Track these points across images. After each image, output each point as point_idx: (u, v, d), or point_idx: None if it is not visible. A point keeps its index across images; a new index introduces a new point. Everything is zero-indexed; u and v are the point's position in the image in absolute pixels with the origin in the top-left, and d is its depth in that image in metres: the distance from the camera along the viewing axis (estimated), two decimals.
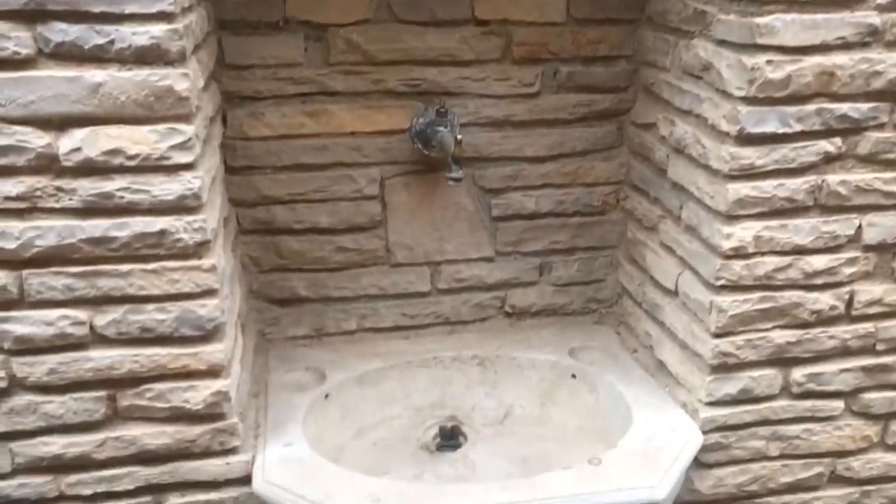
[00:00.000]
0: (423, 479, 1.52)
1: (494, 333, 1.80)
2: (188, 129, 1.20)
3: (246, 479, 1.39)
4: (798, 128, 1.35)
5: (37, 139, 1.17)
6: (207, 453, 1.38)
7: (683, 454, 1.41)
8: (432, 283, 1.78)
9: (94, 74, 1.16)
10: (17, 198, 1.20)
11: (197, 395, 1.33)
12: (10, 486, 1.34)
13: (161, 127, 1.19)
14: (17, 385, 1.29)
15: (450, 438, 1.63)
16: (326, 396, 1.61)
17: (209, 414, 1.35)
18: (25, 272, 1.24)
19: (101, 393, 1.32)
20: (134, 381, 1.31)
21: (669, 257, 1.59)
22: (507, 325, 1.83)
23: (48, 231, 1.22)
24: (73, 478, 1.35)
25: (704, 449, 1.49)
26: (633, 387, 1.60)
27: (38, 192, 1.20)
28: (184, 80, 1.18)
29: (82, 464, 1.34)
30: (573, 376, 1.68)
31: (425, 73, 1.63)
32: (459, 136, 1.50)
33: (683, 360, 1.55)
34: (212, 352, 1.32)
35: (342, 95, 1.61)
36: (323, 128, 1.62)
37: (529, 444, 1.61)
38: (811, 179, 1.39)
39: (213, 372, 1.33)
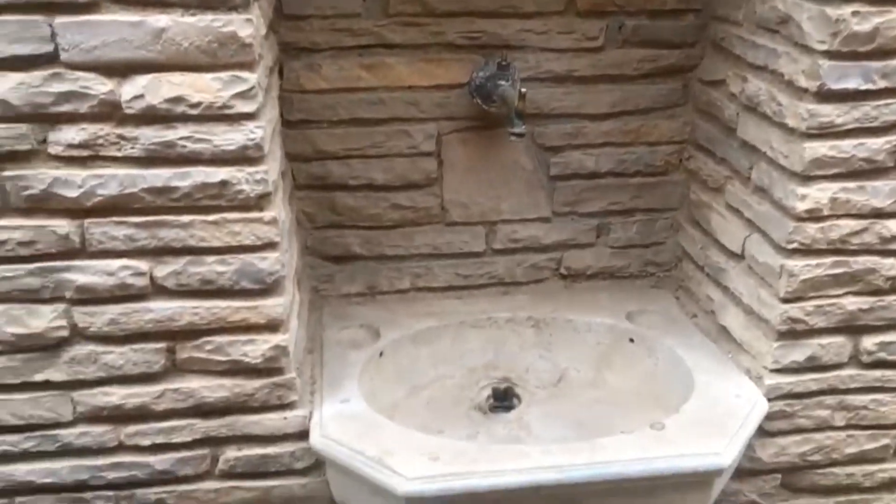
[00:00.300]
0: (477, 439, 1.51)
1: (549, 295, 1.77)
2: (251, 78, 1.18)
3: (303, 434, 1.38)
4: (882, 84, 1.28)
5: (99, 85, 1.15)
6: (265, 408, 1.37)
7: (749, 421, 1.38)
8: (487, 243, 1.75)
9: (158, 19, 1.13)
10: (80, 145, 1.18)
11: (256, 348, 1.32)
12: (72, 435, 1.34)
13: (224, 74, 1.17)
14: (78, 335, 1.29)
15: (503, 400, 1.62)
16: (381, 354, 1.59)
17: (267, 368, 1.34)
18: (87, 221, 1.23)
19: (161, 345, 1.31)
20: (193, 333, 1.31)
21: (736, 219, 1.54)
22: (562, 288, 1.80)
23: (110, 180, 1.21)
24: (132, 428, 1.36)
25: (768, 417, 1.45)
26: (694, 352, 1.56)
27: (101, 140, 1.19)
28: (247, 25, 1.15)
29: (141, 414, 1.35)
30: (631, 340, 1.64)
31: (486, 26, 1.58)
32: (523, 90, 1.45)
33: (748, 325, 1.51)
34: (271, 306, 1.31)
35: (400, 48, 1.57)
36: (380, 81, 1.58)
37: (585, 408, 1.58)
38: (893, 139, 1.33)
39: (272, 326, 1.32)
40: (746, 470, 1.52)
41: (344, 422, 1.37)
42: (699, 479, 1.30)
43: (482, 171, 1.69)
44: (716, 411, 1.39)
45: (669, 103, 1.68)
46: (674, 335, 1.62)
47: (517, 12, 1.58)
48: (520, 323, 1.70)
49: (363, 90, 1.58)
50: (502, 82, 1.51)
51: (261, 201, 1.25)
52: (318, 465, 1.41)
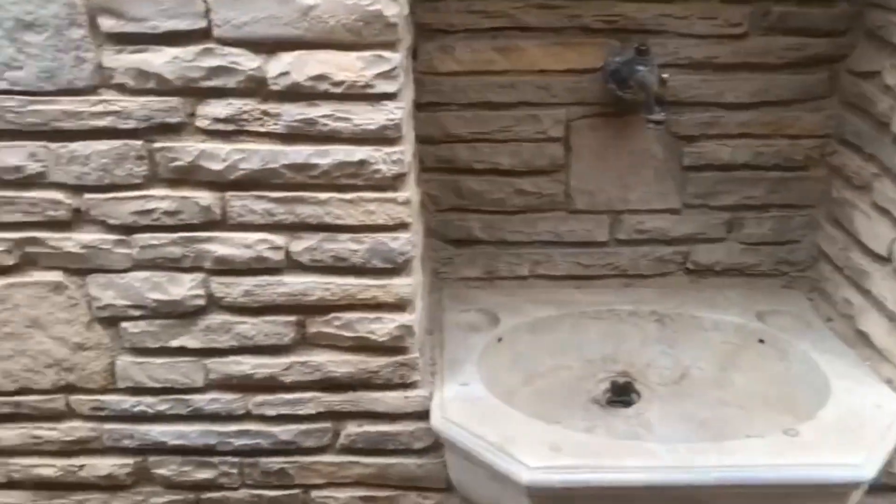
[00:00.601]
0: (595, 432, 1.48)
1: (674, 290, 1.72)
2: (394, 58, 1.18)
3: (423, 415, 1.39)
4: None
5: (248, 62, 1.18)
6: (388, 385, 1.38)
7: (891, 433, 1.30)
8: (611, 233, 1.71)
9: None
10: (226, 119, 1.21)
11: (383, 327, 1.33)
12: (203, 401, 1.39)
13: (367, 54, 1.17)
14: (214, 304, 1.33)
15: (621, 394, 1.58)
16: (500, 340, 1.58)
17: (393, 347, 1.35)
18: (228, 194, 1.26)
19: (292, 318, 1.34)
20: (323, 308, 1.33)
21: (884, 220, 1.45)
22: (688, 283, 1.74)
23: (252, 155, 1.23)
24: (259, 398, 1.39)
25: None
26: (830, 357, 1.49)
27: (246, 116, 1.21)
28: (393, 5, 1.15)
29: (269, 385, 1.38)
30: (761, 341, 1.58)
31: (624, 9, 1.53)
32: (665, 76, 1.41)
33: (891, 332, 1.42)
34: (400, 285, 1.31)
35: (534, 31, 1.55)
36: (513, 65, 1.56)
37: (708, 408, 1.53)
38: None
39: (399, 305, 1.33)
40: (882, 485, 1.44)
41: (464, 405, 1.37)
42: (836, 491, 1.24)
43: (610, 159, 1.65)
44: (854, 421, 1.32)
45: (814, 95, 1.60)
46: (808, 338, 1.54)
47: None
48: (642, 317, 1.66)
49: (495, 73, 1.57)
50: (640, 68, 1.47)
51: (396, 182, 1.25)
52: (436, 446, 1.42)
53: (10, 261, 1.30)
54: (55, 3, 1.15)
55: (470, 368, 1.47)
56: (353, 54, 1.17)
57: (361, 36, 1.16)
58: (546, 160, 1.64)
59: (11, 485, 1.45)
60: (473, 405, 1.38)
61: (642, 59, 1.49)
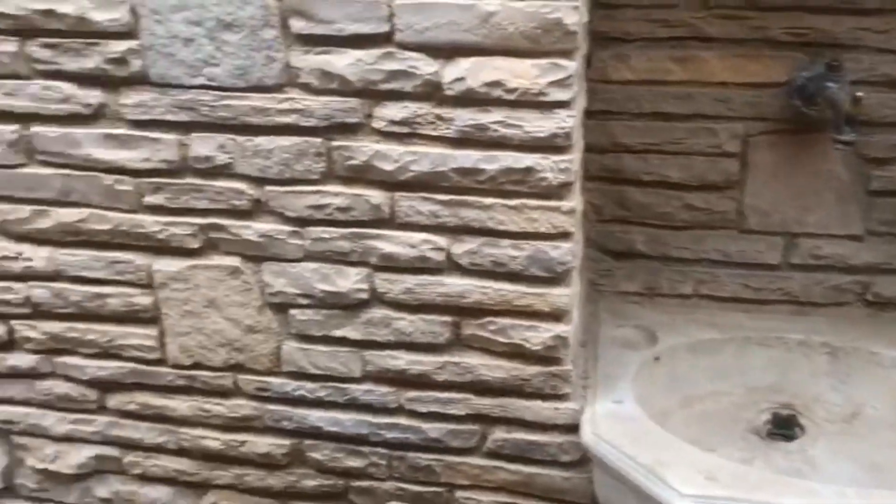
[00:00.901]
0: (753, 464, 1.41)
1: (850, 322, 1.60)
2: (570, 66, 1.17)
3: (572, 428, 1.37)
4: None
5: (426, 66, 1.20)
6: (538, 395, 1.37)
7: None
8: (784, 257, 1.62)
9: (488, 3, 1.15)
10: (401, 122, 1.25)
11: (537, 335, 1.33)
12: (359, 391, 1.43)
13: (543, 61, 1.17)
14: (376, 299, 1.37)
15: (784, 427, 1.49)
16: (657, 359, 1.54)
17: (546, 357, 1.34)
18: (397, 195, 1.29)
19: (448, 318, 1.36)
20: (479, 311, 1.34)
21: None
22: (867, 316, 1.62)
23: (423, 157, 1.26)
24: (412, 393, 1.42)
25: None
26: None
27: (419, 119, 1.24)
28: (574, 13, 1.14)
29: (422, 382, 1.41)
30: None
31: (816, 22, 1.44)
32: (859, 94, 1.32)
33: None
34: (558, 295, 1.30)
35: (716, 42, 1.49)
36: (690, 75, 1.51)
37: (883, 451, 1.42)
38: None
39: (555, 315, 1.32)
40: None
41: (616, 423, 1.34)
42: None
43: (790, 178, 1.56)
44: None
45: None
46: None
47: (855, 8, 1.43)
48: (813, 347, 1.56)
49: (670, 84, 1.52)
50: (830, 84, 1.38)
51: (561, 190, 1.24)
52: (584, 461, 1.40)
53: (194, 244, 1.39)
54: (252, 4, 1.22)
55: (624, 386, 1.44)
56: (529, 61, 1.17)
57: (539, 43, 1.16)
58: (719, 175, 1.57)
59: (180, 452, 1.56)
60: (626, 424, 1.34)
61: (834, 76, 1.39)
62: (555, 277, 1.30)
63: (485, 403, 1.40)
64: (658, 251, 1.66)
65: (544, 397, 1.38)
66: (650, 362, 1.53)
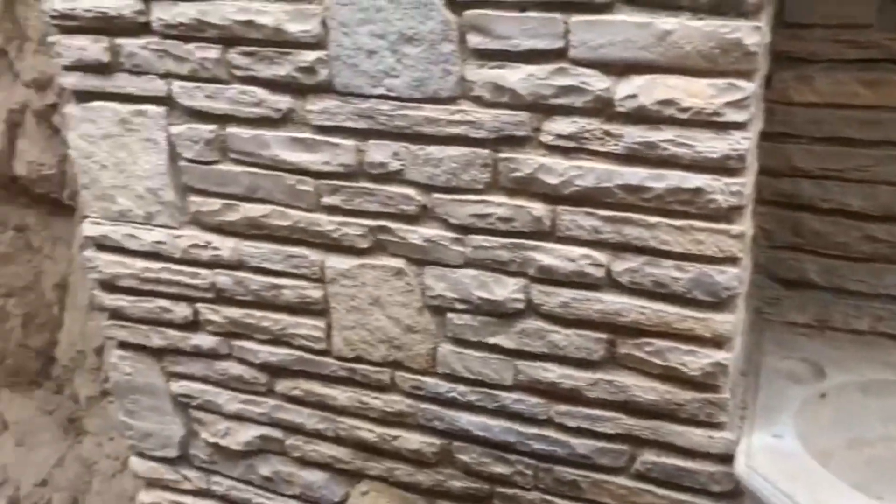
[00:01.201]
0: None
1: None
2: (748, 87, 1.14)
3: (726, 458, 1.33)
4: None
5: (598, 82, 1.21)
6: (693, 421, 1.34)
7: None
8: None
9: (665, 21, 1.15)
10: (568, 137, 1.26)
11: (696, 360, 1.30)
12: (509, 399, 1.46)
13: (720, 81, 1.15)
14: (531, 310, 1.39)
15: None
16: (823, 395, 1.46)
17: (703, 383, 1.31)
18: (560, 208, 1.31)
19: (603, 335, 1.35)
20: (636, 331, 1.33)
21: None
22: None
23: (588, 172, 1.26)
24: (562, 407, 1.43)
25: None
26: None
27: (587, 134, 1.25)
28: (754, 33, 1.11)
29: (573, 397, 1.41)
30: None
31: None
32: None
33: None
34: (721, 321, 1.27)
35: None
36: (880, 100, 1.42)
37: None
38: None
39: (716, 342, 1.28)
40: None
41: (774, 458, 1.29)
42: None
43: None
44: None
45: None
46: None
47: None
48: None
49: (857, 108, 1.44)
50: None
51: (731, 213, 1.21)
52: (736, 493, 1.35)
53: (364, 244, 1.47)
54: (433, 20, 1.27)
55: (785, 420, 1.38)
56: (705, 81, 1.15)
57: (716, 63, 1.14)
58: None
59: (338, 440, 1.64)
60: (784, 460, 1.29)
61: None
62: (719, 303, 1.26)
63: (636, 424, 1.38)
64: (832, 282, 1.57)
65: (698, 424, 1.34)
66: (815, 398, 1.45)
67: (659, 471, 1.40)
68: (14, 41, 2.92)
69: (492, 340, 1.44)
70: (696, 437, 1.35)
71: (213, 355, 1.67)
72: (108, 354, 1.92)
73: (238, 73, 1.43)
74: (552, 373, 1.41)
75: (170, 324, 1.66)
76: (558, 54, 1.22)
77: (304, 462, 1.70)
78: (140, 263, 1.62)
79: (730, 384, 1.33)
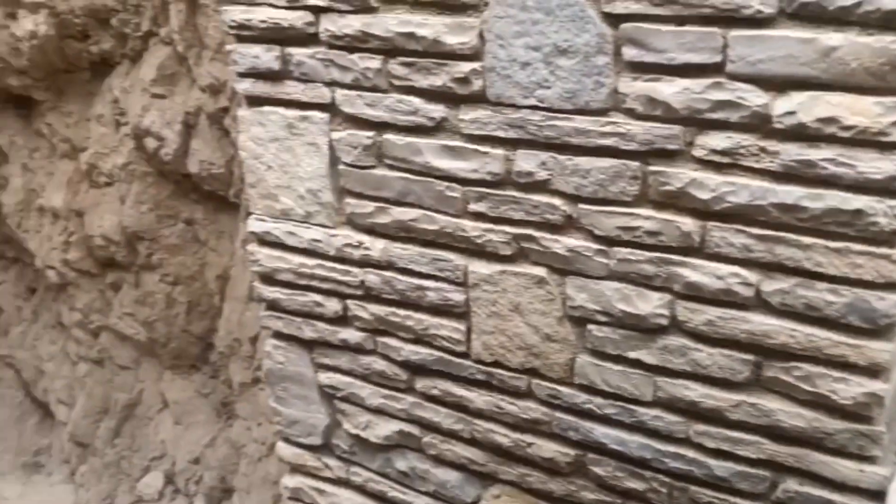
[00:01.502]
0: None
1: None
2: None
3: (878, 495, 1.27)
4: None
5: (755, 98, 1.19)
6: (841, 452, 1.29)
7: None
8: None
9: (830, 38, 1.11)
10: (722, 152, 1.24)
11: (848, 389, 1.24)
12: (647, 415, 1.44)
13: (888, 100, 1.10)
14: (675, 327, 1.37)
15: None
16: None
17: (855, 413, 1.25)
18: (710, 224, 1.29)
19: (749, 357, 1.32)
20: (785, 355, 1.29)
21: None
22: None
23: (742, 189, 1.24)
24: (701, 427, 1.40)
25: None
26: None
27: (742, 150, 1.23)
28: None
29: (713, 417, 1.38)
30: None
31: None
32: None
33: None
34: (877, 349, 1.21)
35: None
36: None
37: None
38: None
39: (871, 371, 1.22)
40: None
41: None
42: None
43: None
44: None
45: None
46: None
47: None
48: None
49: None
50: None
51: (893, 237, 1.16)
52: None
53: (507, 251, 1.50)
54: (589, 32, 1.28)
55: None
56: (871, 99, 1.11)
57: (885, 80, 1.09)
58: None
59: (472, 442, 1.68)
60: None
61: None
62: (876, 330, 1.21)
63: (779, 451, 1.34)
64: None
65: (848, 456, 1.28)
66: None
67: (802, 500, 1.34)
68: (193, 48, 3.17)
69: (632, 355, 1.43)
70: (844, 469, 1.29)
71: (359, 350, 1.74)
72: (263, 343, 2.04)
73: (396, 82, 1.49)
74: (693, 391, 1.39)
75: (321, 317, 1.75)
76: (715, 69, 1.21)
77: (440, 460, 1.74)
78: (297, 259, 1.72)
79: (885, 417, 1.26)
